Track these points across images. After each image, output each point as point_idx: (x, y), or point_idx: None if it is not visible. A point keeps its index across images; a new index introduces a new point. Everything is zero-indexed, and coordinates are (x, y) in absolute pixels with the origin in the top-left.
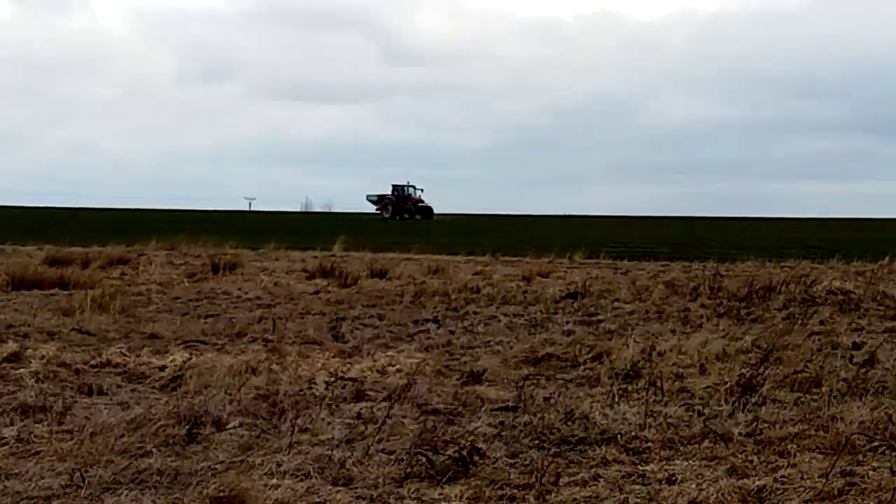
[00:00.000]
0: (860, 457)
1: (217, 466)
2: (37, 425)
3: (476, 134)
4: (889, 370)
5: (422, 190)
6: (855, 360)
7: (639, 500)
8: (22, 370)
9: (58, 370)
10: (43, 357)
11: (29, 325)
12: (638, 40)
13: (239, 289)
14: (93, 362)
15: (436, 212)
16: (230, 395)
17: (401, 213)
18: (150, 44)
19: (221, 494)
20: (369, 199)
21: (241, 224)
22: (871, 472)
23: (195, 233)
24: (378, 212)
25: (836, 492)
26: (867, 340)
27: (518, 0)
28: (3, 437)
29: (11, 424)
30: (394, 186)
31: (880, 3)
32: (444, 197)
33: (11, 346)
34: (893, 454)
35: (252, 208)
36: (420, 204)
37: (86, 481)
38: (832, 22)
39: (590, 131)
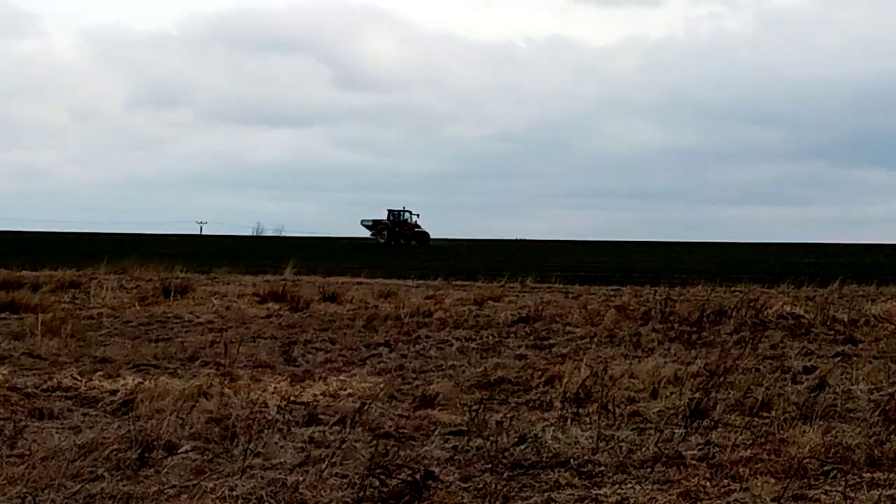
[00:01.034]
0: (812, 481)
1: (169, 491)
2: None
3: (427, 159)
4: (839, 394)
5: (418, 215)
6: (805, 384)
7: None
8: None
9: (9, 394)
10: None
11: None
12: (589, 66)
13: (190, 313)
14: (44, 386)
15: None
16: (182, 419)
17: (397, 238)
18: (102, 68)
19: None
20: (364, 224)
21: (192, 248)
22: (823, 496)
23: (146, 257)
24: (372, 237)
25: None
26: (817, 365)
27: (470, 25)
28: None
29: None
30: (389, 211)
31: (824, 32)
32: None
33: None
34: (845, 478)
35: (203, 233)
36: (417, 229)
37: None
38: (778, 50)
39: (540, 156)
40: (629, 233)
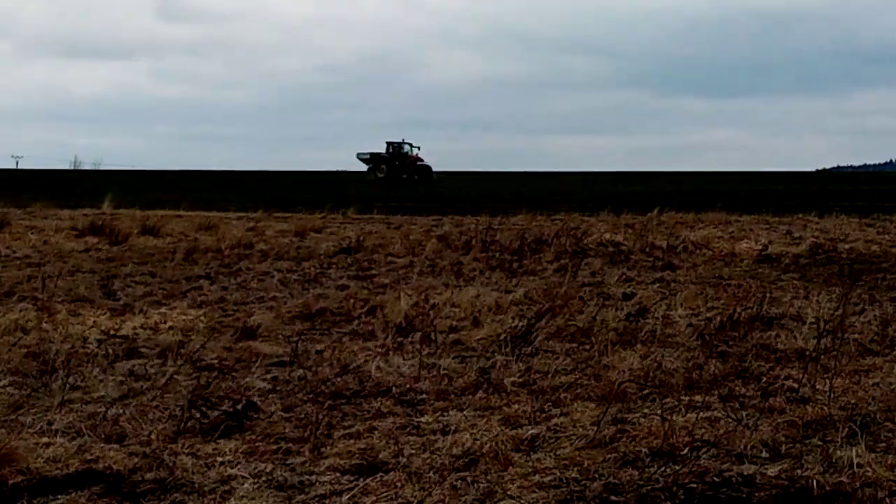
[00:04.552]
0: (631, 404)
1: None
2: None
3: (251, 91)
4: (658, 320)
5: (419, 148)
6: (625, 310)
7: (413, 451)
8: None
9: None
10: None
11: None
12: None
13: (7, 248)
14: None
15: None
16: (1, 353)
17: (398, 172)
18: None
19: None
20: (360, 157)
21: (8, 183)
22: (641, 419)
23: None
24: (370, 171)
25: (607, 439)
26: (637, 291)
27: None
28: None
29: None
30: (388, 143)
31: None
32: (217, 153)
33: None
34: (663, 401)
35: (20, 167)
36: (419, 163)
37: None
38: None
39: (367, 88)
40: (453, 163)
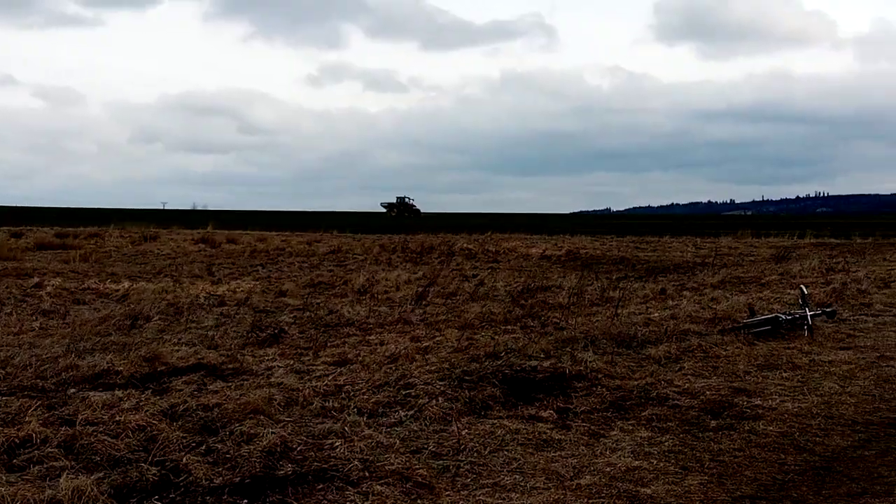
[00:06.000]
0: (476, 330)
1: (146, 340)
2: (51, 321)
3: (287, 169)
4: (490, 287)
5: (413, 199)
6: (473, 282)
7: (365, 354)
8: (42, 292)
9: (62, 292)
10: (54, 285)
11: (45, 269)
12: None
13: (158, 249)
14: (80, 288)
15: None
16: (154, 304)
17: (401, 212)
18: None
19: (148, 355)
20: (382, 204)
21: (159, 216)
22: (481, 338)
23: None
24: (387, 213)
25: (463, 347)
26: (479, 273)
27: None
28: (33, 328)
29: (36, 320)
30: (397, 197)
31: None
32: (268, 201)
33: (36, 279)
34: (492, 328)
35: (166, 208)
36: (414, 207)
37: (76, 349)
38: None
39: (343, 169)
40: None
